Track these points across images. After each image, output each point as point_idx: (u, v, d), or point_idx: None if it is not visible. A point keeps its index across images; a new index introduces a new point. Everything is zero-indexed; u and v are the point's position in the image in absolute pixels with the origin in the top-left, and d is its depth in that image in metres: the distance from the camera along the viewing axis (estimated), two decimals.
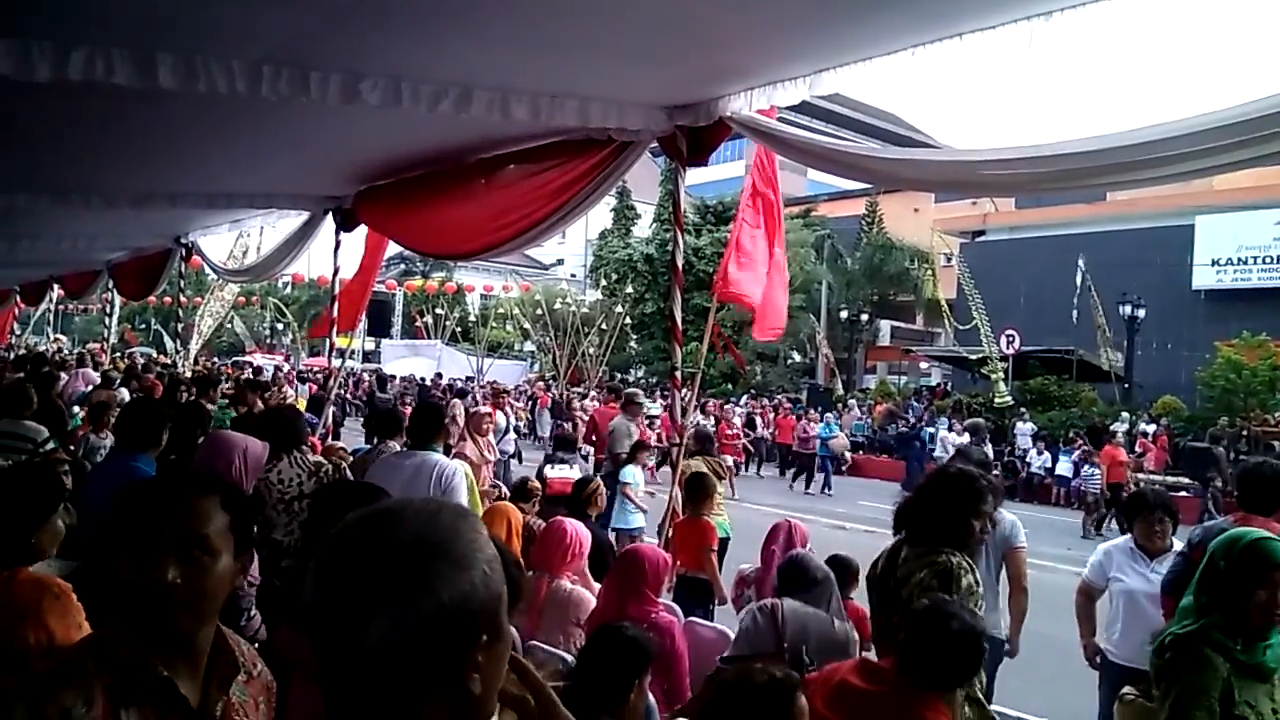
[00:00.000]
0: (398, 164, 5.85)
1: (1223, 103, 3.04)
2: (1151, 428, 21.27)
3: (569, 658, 3.50)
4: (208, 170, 6.55)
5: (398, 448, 4.81)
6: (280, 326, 40.50)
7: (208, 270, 11.84)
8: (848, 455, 21.80)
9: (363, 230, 7.21)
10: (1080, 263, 25.34)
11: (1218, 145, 3.06)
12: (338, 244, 7.39)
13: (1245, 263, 26.80)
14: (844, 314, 33.76)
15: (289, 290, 39.52)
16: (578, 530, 4.14)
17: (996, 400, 23.76)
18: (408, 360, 33.14)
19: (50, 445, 5.33)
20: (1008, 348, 24.87)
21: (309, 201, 7.39)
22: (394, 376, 29.47)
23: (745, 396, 27.21)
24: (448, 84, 4.01)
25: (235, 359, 32.39)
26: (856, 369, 35.51)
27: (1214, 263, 27.27)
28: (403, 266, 40.07)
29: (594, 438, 11.41)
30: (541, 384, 29.53)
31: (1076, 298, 25.40)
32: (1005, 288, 27.12)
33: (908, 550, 2.96)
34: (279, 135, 5.41)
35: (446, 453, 4.89)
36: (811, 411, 21.61)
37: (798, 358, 34.43)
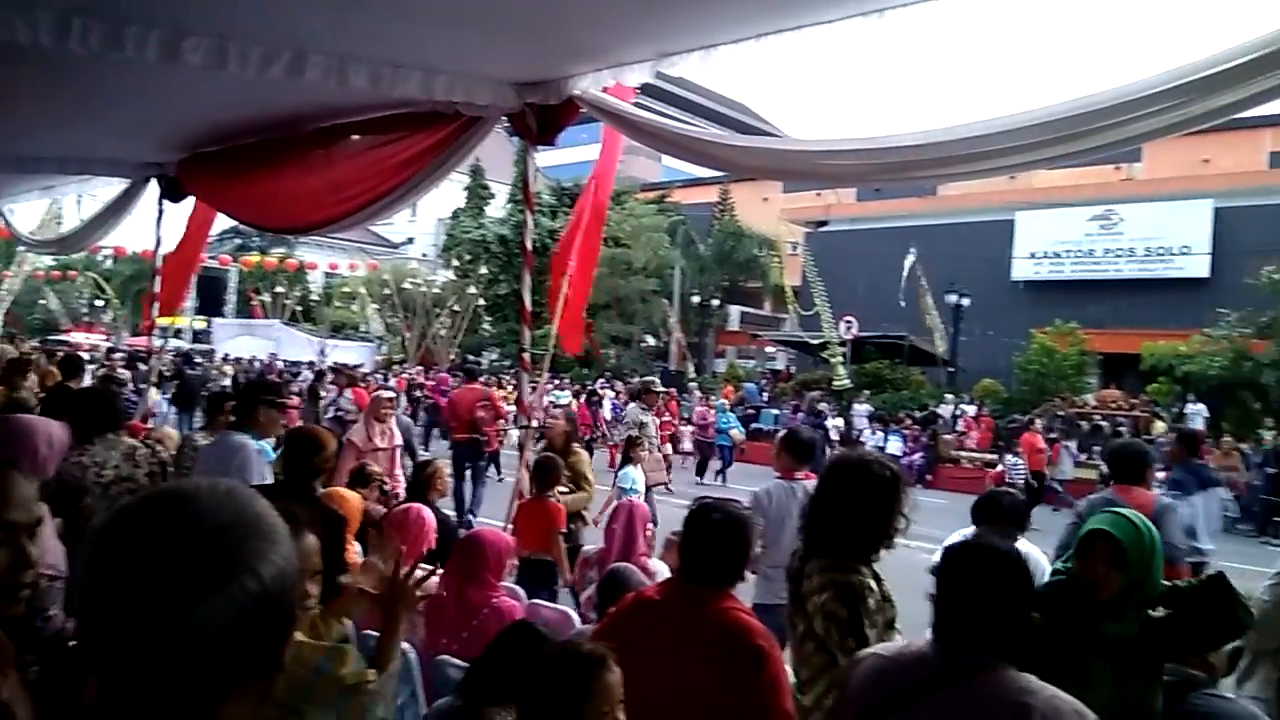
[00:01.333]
0: (228, 130, 5.50)
1: (1042, 101, 3.28)
2: (973, 409, 22.89)
3: (404, 646, 3.42)
4: (11, 129, 5.97)
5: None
6: (101, 303, 37.55)
7: (19, 241, 10.81)
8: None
9: (190, 201, 6.76)
10: (911, 253, 26.83)
11: (1036, 141, 3.28)
12: (160, 214, 6.89)
13: (1060, 256, 29.10)
14: (696, 299, 34.44)
15: (110, 264, 36.63)
16: (427, 516, 4.08)
17: (835, 383, 24.90)
18: (242, 340, 31.40)
19: None
20: (846, 333, 26.07)
21: (129, 168, 6.85)
22: (218, 356, 27.77)
23: (600, 380, 27.31)
24: (280, 47, 3.79)
25: (49, 337, 29.82)
26: (707, 353, 36.34)
27: (1031, 255, 29.47)
28: (238, 241, 37.92)
29: (453, 421, 11.16)
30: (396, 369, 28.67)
31: (903, 284, 26.90)
32: (845, 276, 28.39)
33: (812, 562, 2.67)
34: (93, 95, 4.98)
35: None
36: (710, 399, 21.28)
37: (651, 341, 34.90)
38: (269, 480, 4.23)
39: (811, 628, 2.62)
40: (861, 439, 21.03)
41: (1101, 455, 16.41)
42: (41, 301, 35.96)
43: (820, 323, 26.14)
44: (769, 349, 35.25)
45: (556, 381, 23.89)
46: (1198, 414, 20.27)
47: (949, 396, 23.54)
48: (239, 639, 0.86)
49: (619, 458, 15.36)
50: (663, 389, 10.96)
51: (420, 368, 27.78)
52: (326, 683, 2.00)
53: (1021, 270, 29.63)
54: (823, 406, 22.72)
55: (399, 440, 6.88)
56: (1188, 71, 2.82)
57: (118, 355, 21.40)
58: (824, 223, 34.51)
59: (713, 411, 18.90)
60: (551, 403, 19.33)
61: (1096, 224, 28.41)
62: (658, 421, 8.19)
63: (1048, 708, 1.75)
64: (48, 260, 28.50)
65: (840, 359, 25.27)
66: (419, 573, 2.28)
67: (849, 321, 26.17)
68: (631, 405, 8.66)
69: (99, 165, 6.91)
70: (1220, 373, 21.26)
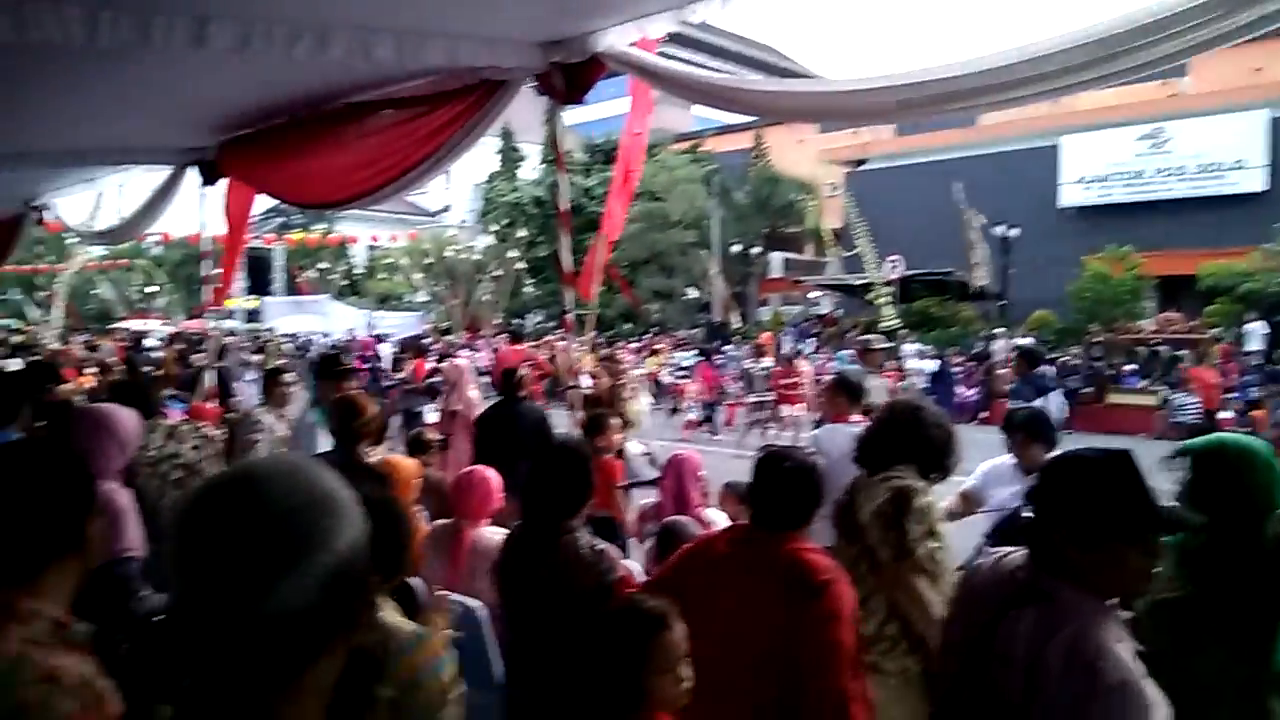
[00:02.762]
0: (260, 112, 5.54)
1: (1081, 22, 3.15)
2: (1027, 341, 22.46)
3: (475, 605, 3.50)
4: (55, 126, 6.07)
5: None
6: (153, 289, 38.40)
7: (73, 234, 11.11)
8: None
9: (225, 185, 6.85)
10: (956, 186, 26.25)
11: (1078, 64, 3.16)
12: (202, 199, 6.99)
13: (1108, 179, 28.21)
14: (736, 248, 34.13)
15: (159, 250, 37.37)
16: (493, 478, 4.13)
17: (882, 324, 24.63)
18: (294, 317, 31.94)
19: None
20: (892, 272, 25.66)
21: (168, 155, 6.94)
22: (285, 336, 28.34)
23: (644, 335, 27.33)
24: (302, 25, 3.80)
25: (108, 325, 30.62)
26: (750, 302, 36.09)
27: (1079, 180, 28.62)
28: (280, 220, 38.40)
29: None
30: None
31: (949, 218, 26.33)
32: (888, 214, 27.88)
33: (864, 480, 2.97)
34: (129, 86, 5.04)
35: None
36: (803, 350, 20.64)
37: (693, 294, 34.74)
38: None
39: (866, 545, 2.69)
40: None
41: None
42: (95, 291, 36.87)
43: (864, 264, 25.77)
44: (812, 294, 34.89)
45: (657, 345, 23.52)
46: (1255, 333, 19.70)
47: (1000, 330, 23.10)
48: (319, 610, 0.91)
49: (737, 415, 15.16)
50: (885, 345, 10.76)
51: (467, 334, 28.04)
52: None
53: (1070, 196, 28.82)
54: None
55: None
56: None
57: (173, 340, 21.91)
58: (862, 162, 33.84)
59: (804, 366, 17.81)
60: (677, 366, 19.41)
61: (1145, 143, 27.45)
62: (887, 384, 8.26)
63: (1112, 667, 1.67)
64: (99, 250, 29.17)
65: (887, 299, 24.94)
66: None
67: (894, 261, 25.75)
68: (854, 368, 8.79)
69: (139, 154, 7.02)
70: None
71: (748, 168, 36.72)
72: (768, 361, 16.39)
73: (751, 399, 16.03)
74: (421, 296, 36.20)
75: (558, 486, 2.97)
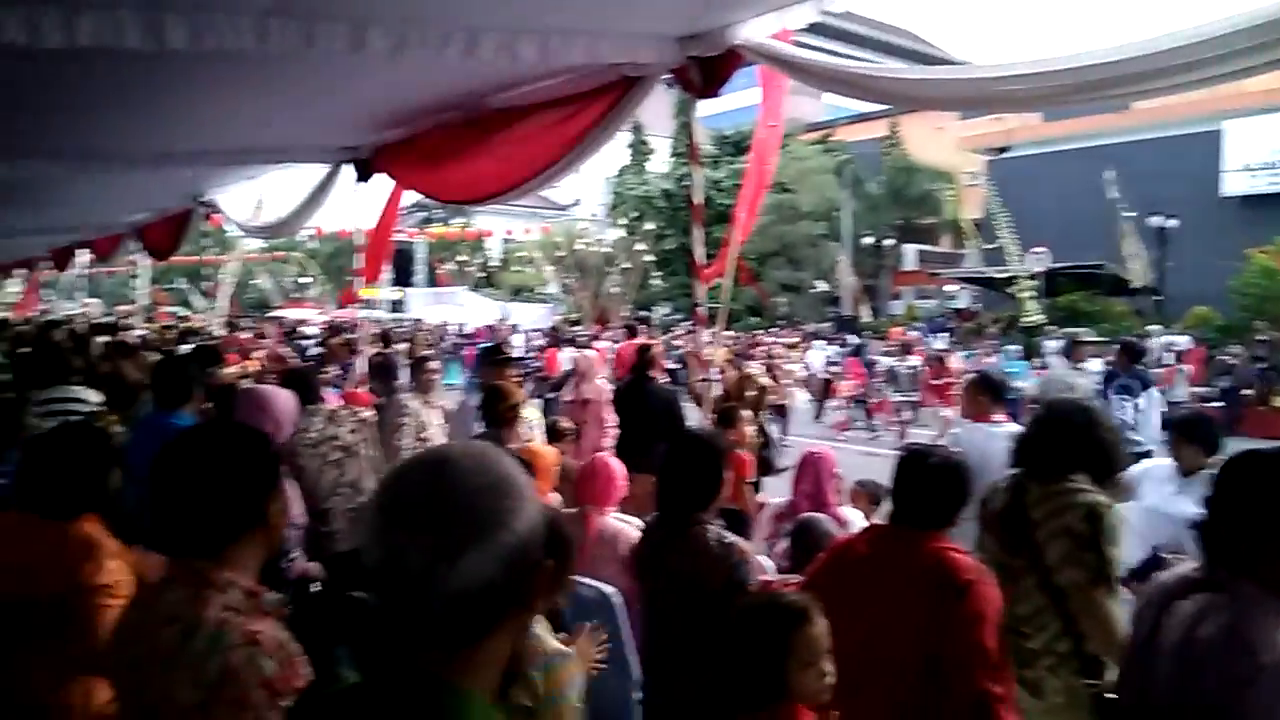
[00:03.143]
0: (411, 112, 5.81)
1: (1246, 4, 2.94)
2: (1183, 339, 21.01)
3: (609, 590, 3.59)
4: (223, 127, 6.54)
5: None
6: (306, 280, 40.75)
7: (232, 227, 11.96)
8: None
9: (378, 181, 7.20)
10: (1107, 174, 24.78)
11: (1248, 46, 2.95)
12: (356, 196, 7.40)
13: (1277, 166, 26.05)
14: (868, 240, 33.33)
15: (313, 244, 39.63)
16: (617, 466, 4.20)
17: (1025, 319, 23.53)
18: (435, 308, 33.31)
19: (100, 409, 5.44)
20: (1037, 265, 24.50)
21: (325, 153, 7.36)
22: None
23: (770, 329, 27.08)
24: (454, 28, 3.96)
25: (267, 314, 32.68)
26: (882, 295, 35.19)
27: (1245, 168, 26.54)
28: (422, 214, 40.00)
29: (620, 374, 11.57)
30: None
31: (1100, 208, 24.88)
32: (1032, 204, 26.63)
33: (1036, 488, 2.77)
34: (291, 88, 5.38)
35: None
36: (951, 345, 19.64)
37: (822, 287, 34.16)
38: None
39: (1038, 559, 2.59)
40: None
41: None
42: (255, 282, 39.40)
43: (1006, 256, 24.69)
44: (949, 287, 33.71)
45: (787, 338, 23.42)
46: None
47: (1155, 328, 21.70)
48: (497, 586, 0.98)
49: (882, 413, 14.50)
50: (1093, 339, 10.65)
51: (596, 326, 28.49)
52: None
53: (1234, 184, 26.77)
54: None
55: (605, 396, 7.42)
56: None
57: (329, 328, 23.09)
58: (1005, 149, 32.40)
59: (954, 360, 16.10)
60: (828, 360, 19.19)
61: None
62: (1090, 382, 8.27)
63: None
64: (258, 244, 31.14)
65: (1030, 293, 23.82)
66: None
67: (1039, 253, 24.55)
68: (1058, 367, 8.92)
69: (299, 153, 7.47)
70: None
71: (881, 157, 35.76)
72: (914, 360, 15.75)
73: (897, 398, 15.47)
74: (552, 289, 37.03)
75: (690, 478, 2.99)
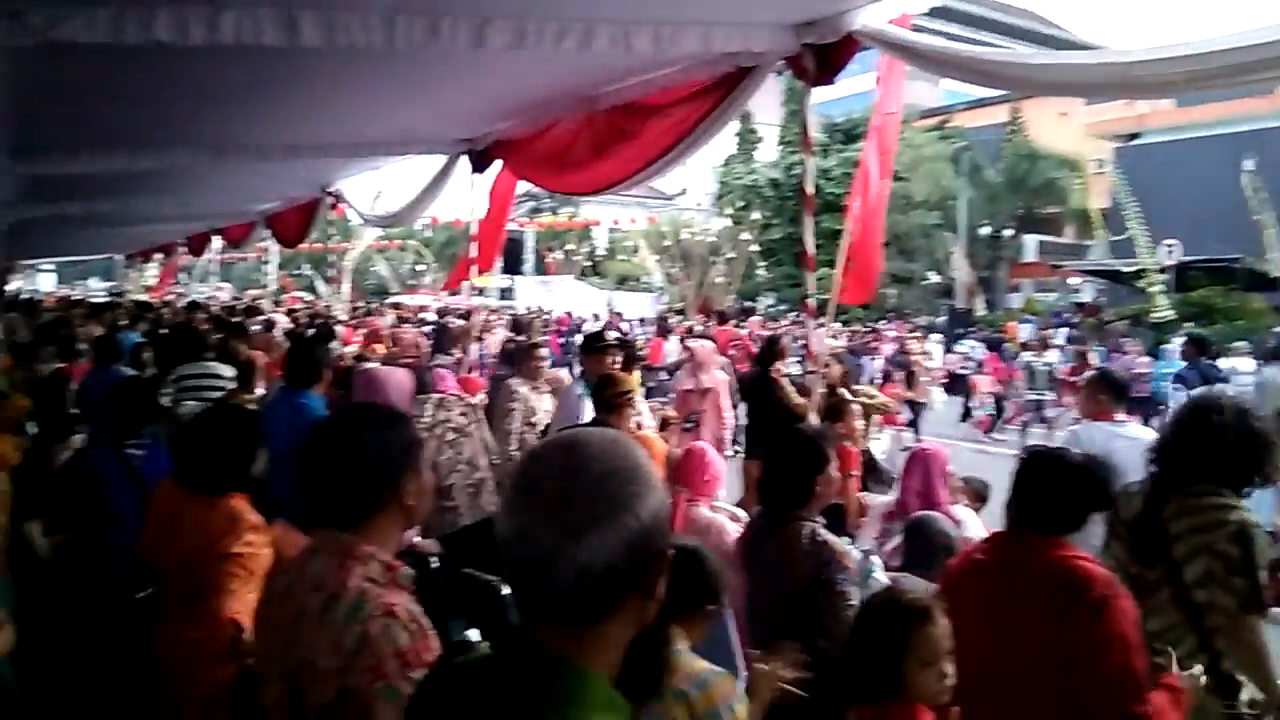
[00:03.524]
0: (527, 103, 5.94)
1: None
2: None
3: None
4: (350, 120, 6.83)
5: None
6: (421, 268, 42.09)
7: (353, 216, 12.46)
8: None
9: (492, 172, 7.39)
10: (1248, 163, 23.20)
11: None
12: (472, 186, 7.61)
13: None
14: (985, 230, 32.17)
15: (426, 232, 40.88)
16: (714, 457, 4.21)
17: (1154, 315, 22.31)
18: (541, 296, 33.92)
19: (233, 386, 5.80)
20: (1168, 258, 23.18)
21: (443, 145, 7.60)
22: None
23: (879, 321, 26.49)
24: (570, 21, 4.03)
25: (388, 300, 33.89)
26: (999, 287, 33.94)
27: None
28: (532, 204, 40.73)
29: None
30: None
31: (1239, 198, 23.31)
32: (1164, 193, 25.16)
33: (1175, 498, 2.63)
34: (413, 82, 5.57)
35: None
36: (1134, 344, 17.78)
37: (935, 278, 33.17)
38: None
39: (1176, 574, 2.48)
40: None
41: None
42: (373, 269, 40.90)
43: (1134, 248, 23.44)
44: (1072, 280, 32.22)
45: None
46: None
47: None
48: (619, 569, 1.02)
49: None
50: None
51: (699, 315, 28.47)
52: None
53: None
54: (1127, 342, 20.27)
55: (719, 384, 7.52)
56: None
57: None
58: (1136, 135, 30.74)
59: (1139, 358, 15.15)
60: (964, 355, 18.51)
61: None
62: None
63: None
64: (377, 232, 32.30)
65: (1160, 287, 22.55)
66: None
67: (1170, 245, 23.22)
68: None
69: (419, 145, 7.73)
70: None
71: (1001, 144, 34.41)
72: (1052, 356, 14.69)
73: (1031, 395, 14.22)
74: (656, 278, 37.17)
75: (787, 475, 2.95)
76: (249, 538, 2.62)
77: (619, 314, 26.64)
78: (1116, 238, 25.31)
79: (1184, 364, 8.78)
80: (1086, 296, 30.75)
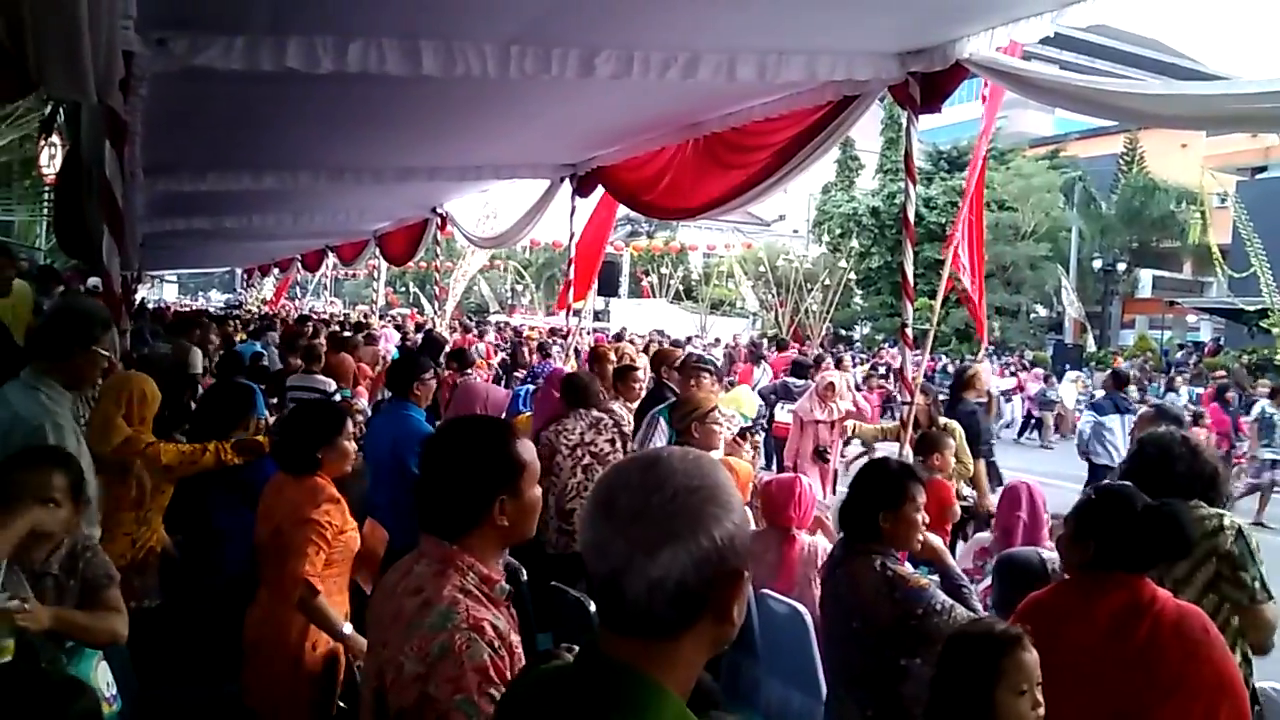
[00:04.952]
0: (630, 130, 6.07)
1: None
2: None
3: (800, 608, 3.59)
4: (460, 145, 7.09)
5: None
6: (519, 288, 42.98)
7: (458, 237, 12.82)
8: None
9: (594, 196, 7.55)
10: None
11: None
12: (573, 210, 7.79)
13: None
14: (1097, 263, 30.95)
15: (526, 254, 41.75)
16: (807, 487, 4.18)
17: (1278, 358, 21.08)
18: (636, 319, 34.16)
19: (338, 396, 6.09)
20: None
21: (548, 169, 7.82)
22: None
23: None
24: (676, 50, 4.12)
25: (493, 320, 34.68)
26: (1111, 323, 32.56)
27: None
28: (629, 228, 41.17)
29: None
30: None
31: None
32: None
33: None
34: (522, 109, 5.76)
35: None
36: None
37: (1042, 312, 32.04)
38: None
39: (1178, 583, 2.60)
40: None
41: None
42: (475, 289, 41.95)
43: (1259, 286, 22.21)
44: (1190, 318, 30.69)
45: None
46: None
47: None
48: (690, 585, 1.03)
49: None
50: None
51: (794, 343, 28.21)
52: None
53: None
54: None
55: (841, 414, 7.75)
56: None
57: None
58: (1263, 169, 29.18)
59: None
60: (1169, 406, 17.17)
61: None
62: None
63: None
64: (482, 253, 33.14)
65: None
66: None
67: None
68: None
69: (525, 169, 7.97)
70: None
71: (1116, 175, 33.12)
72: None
73: (1268, 454, 11.81)
74: (750, 304, 36.97)
75: (863, 506, 2.88)
76: (326, 507, 2.89)
77: (715, 339, 26.63)
78: (1237, 275, 24.02)
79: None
80: (1204, 336, 29.25)
